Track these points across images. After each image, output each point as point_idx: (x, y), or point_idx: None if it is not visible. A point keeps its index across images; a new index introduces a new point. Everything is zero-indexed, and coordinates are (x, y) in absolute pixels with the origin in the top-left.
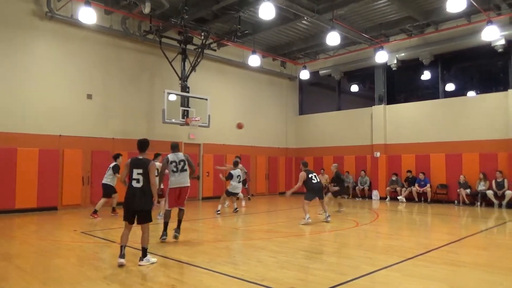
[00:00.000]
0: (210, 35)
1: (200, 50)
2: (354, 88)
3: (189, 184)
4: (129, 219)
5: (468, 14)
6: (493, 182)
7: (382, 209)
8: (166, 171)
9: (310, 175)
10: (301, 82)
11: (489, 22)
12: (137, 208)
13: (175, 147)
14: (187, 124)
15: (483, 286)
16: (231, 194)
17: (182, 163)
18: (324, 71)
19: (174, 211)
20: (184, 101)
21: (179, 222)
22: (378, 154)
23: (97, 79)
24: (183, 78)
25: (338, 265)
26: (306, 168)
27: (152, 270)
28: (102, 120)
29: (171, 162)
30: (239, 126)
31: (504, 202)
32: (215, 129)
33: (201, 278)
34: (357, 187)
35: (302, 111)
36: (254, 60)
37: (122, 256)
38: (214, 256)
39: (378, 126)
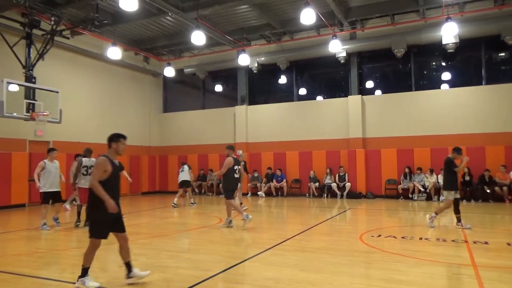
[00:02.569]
0: (62, 21)
1: (49, 36)
2: (218, 87)
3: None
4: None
5: (318, 27)
6: (337, 176)
7: (244, 205)
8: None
9: (235, 167)
10: (166, 79)
11: (334, 36)
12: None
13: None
14: (32, 119)
15: (327, 267)
16: None
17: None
18: (189, 70)
19: None
20: (29, 93)
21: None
22: (241, 152)
23: None
24: (28, 67)
25: (203, 262)
26: (233, 155)
27: None
28: None
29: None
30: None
31: (345, 193)
32: (69, 126)
33: None
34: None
35: (166, 109)
36: (114, 53)
37: None
38: (67, 266)
39: (241, 125)
